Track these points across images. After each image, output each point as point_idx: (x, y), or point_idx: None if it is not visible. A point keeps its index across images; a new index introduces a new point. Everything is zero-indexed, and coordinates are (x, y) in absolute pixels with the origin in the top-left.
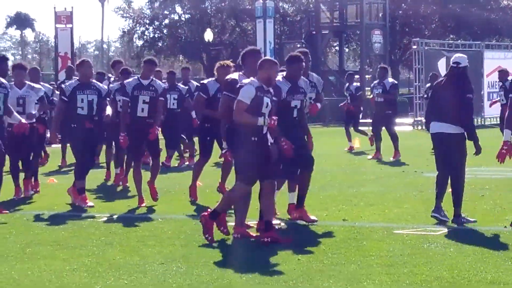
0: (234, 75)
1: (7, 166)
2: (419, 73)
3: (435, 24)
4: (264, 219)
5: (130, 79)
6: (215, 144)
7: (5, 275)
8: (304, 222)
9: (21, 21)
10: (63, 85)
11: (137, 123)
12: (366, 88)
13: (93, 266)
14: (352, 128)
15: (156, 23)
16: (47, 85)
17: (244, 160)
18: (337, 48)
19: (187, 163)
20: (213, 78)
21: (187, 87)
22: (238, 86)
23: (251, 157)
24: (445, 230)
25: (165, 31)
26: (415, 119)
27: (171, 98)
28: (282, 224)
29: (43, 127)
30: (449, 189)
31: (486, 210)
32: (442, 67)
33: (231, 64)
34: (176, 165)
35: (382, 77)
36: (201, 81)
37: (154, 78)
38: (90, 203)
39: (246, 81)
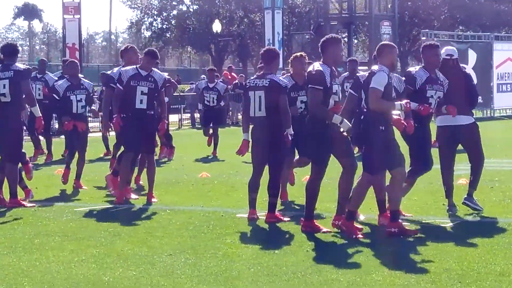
0: (317, 66)
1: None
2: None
3: (444, 16)
4: (391, 209)
5: (128, 67)
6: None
7: (13, 266)
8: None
9: (29, 12)
10: (120, 71)
11: (136, 115)
12: None
13: (101, 257)
14: None
15: (164, 14)
16: (53, 75)
17: (372, 150)
18: (345, 39)
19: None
20: (288, 74)
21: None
22: (370, 72)
23: (380, 147)
24: (454, 222)
25: (173, 22)
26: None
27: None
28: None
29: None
30: (458, 181)
31: (495, 202)
32: None
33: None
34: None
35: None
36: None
37: (154, 69)
38: (134, 196)
39: (375, 67)
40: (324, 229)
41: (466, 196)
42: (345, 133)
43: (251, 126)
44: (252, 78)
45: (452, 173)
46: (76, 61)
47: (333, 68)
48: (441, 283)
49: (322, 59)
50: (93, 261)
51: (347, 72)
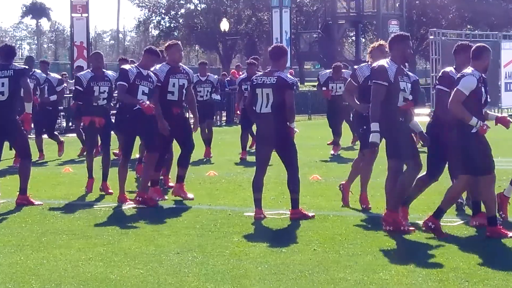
0: (383, 62)
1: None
2: (436, 63)
3: (452, 14)
4: (488, 215)
5: (131, 66)
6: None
7: (20, 264)
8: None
9: (36, 10)
10: (155, 69)
11: (136, 114)
12: None
13: (108, 255)
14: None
15: (172, 12)
16: (56, 75)
17: (471, 153)
18: (353, 38)
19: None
20: (367, 63)
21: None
22: (459, 76)
23: (479, 149)
24: (462, 220)
25: (181, 20)
26: (432, 109)
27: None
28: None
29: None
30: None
31: None
32: None
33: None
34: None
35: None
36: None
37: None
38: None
39: (468, 70)
40: (411, 228)
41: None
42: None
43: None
44: (258, 75)
45: None
46: (101, 52)
47: (402, 65)
48: (448, 282)
49: (390, 56)
50: (101, 259)
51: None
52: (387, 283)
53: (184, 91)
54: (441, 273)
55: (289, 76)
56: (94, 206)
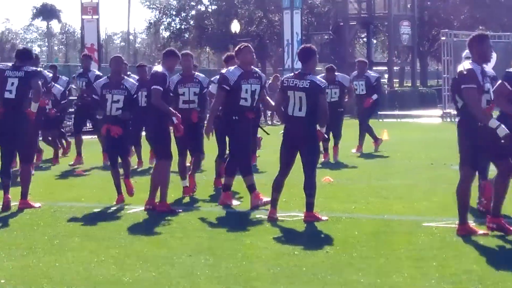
0: (467, 65)
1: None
2: (447, 64)
3: (464, 15)
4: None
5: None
6: None
7: (33, 267)
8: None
9: (47, 12)
10: (224, 73)
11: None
12: (394, 80)
13: (121, 258)
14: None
15: (183, 14)
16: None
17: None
18: (365, 39)
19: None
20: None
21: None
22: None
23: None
24: (475, 222)
25: (191, 22)
26: (444, 111)
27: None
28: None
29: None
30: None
31: None
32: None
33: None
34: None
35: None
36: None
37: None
38: (235, 202)
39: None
40: (481, 232)
41: None
42: (502, 140)
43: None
44: (289, 76)
45: None
46: (121, 56)
47: (483, 66)
48: (461, 285)
49: (471, 58)
50: (113, 262)
51: (356, 72)
52: (400, 286)
53: (256, 96)
54: (454, 276)
55: (321, 79)
56: (106, 209)
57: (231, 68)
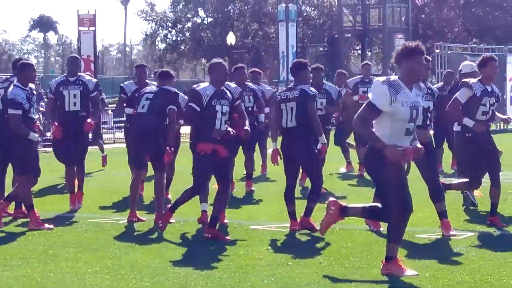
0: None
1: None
2: (441, 77)
3: (458, 28)
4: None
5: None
6: None
7: (27, 277)
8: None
9: (44, 24)
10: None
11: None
12: None
13: (115, 268)
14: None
15: (179, 26)
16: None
17: None
18: (359, 51)
19: None
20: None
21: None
22: None
23: None
24: (468, 234)
25: (187, 34)
26: None
27: None
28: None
29: None
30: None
31: (509, 214)
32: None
33: None
34: None
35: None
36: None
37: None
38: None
39: None
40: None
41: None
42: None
43: (279, 138)
44: (282, 90)
45: None
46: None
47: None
48: None
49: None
50: (107, 272)
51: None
52: None
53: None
54: (446, 287)
55: (311, 88)
56: (101, 219)
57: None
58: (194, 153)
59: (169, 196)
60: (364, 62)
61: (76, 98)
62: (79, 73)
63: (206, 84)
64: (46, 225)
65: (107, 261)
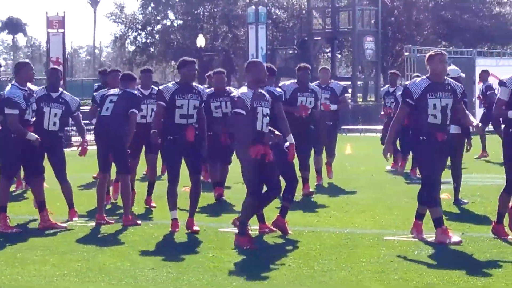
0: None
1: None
2: (411, 79)
3: (427, 31)
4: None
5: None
6: None
7: None
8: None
9: (13, 25)
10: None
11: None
12: (358, 94)
13: (83, 271)
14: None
15: (149, 28)
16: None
17: None
18: (329, 54)
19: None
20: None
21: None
22: None
23: None
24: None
25: (157, 36)
26: None
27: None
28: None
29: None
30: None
31: (476, 217)
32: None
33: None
34: None
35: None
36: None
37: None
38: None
39: None
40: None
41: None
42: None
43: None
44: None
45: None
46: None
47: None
48: None
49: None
50: (75, 275)
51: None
52: None
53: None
54: None
55: (277, 89)
56: (69, 223)
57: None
58: (243, 159)
59: (153, 203)
60: (322, 66)
61: (56, 118)
62: (60, 89)
63: (244, 88)
64: (14, 229)
65: (75, 264)
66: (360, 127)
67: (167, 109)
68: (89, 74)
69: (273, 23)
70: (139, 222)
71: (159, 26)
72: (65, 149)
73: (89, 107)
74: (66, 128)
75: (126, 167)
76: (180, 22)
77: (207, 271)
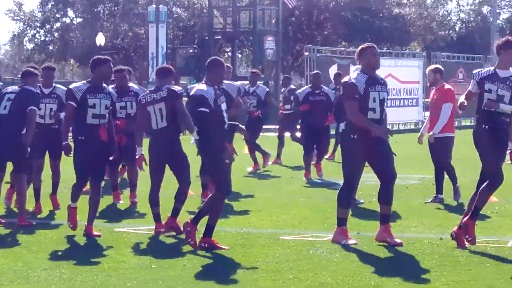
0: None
1: None
2: (309, 79)
3: (328, 31)
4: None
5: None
6: None
7: None
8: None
9: None
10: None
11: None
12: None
13: None
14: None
15: (48, 26)
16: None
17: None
18: (230, 53)
19: None
20: None
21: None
22: None
23: None
24: (331, 236)
25: (56, 34)
26: None
27: None
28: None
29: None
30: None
31: (372, 216)
32: (333, 73)
33: None
34: None
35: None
36: None
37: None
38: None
39: None
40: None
41: None
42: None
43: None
44: (145, 94)
45: None
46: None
47: None
48: None
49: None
50: None
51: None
52: None
53: (384, 106)
54: None
55: (176, 86)
56: None
57: (355, 73)
58: (215, 158)
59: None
60: (253, 70)
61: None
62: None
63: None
64: None
65: None
66: None
67: (78, 109)
68: None
69: (174, 22)
70: (33, 222)
71: (58, 24)
72: None
73: None
74: None
75: (23, 167)
76: (79, 20)
77: (101, 271)
